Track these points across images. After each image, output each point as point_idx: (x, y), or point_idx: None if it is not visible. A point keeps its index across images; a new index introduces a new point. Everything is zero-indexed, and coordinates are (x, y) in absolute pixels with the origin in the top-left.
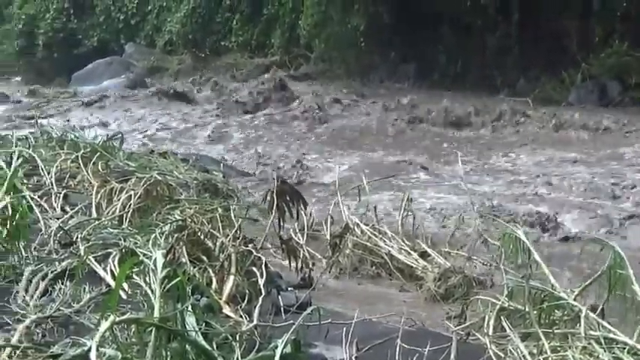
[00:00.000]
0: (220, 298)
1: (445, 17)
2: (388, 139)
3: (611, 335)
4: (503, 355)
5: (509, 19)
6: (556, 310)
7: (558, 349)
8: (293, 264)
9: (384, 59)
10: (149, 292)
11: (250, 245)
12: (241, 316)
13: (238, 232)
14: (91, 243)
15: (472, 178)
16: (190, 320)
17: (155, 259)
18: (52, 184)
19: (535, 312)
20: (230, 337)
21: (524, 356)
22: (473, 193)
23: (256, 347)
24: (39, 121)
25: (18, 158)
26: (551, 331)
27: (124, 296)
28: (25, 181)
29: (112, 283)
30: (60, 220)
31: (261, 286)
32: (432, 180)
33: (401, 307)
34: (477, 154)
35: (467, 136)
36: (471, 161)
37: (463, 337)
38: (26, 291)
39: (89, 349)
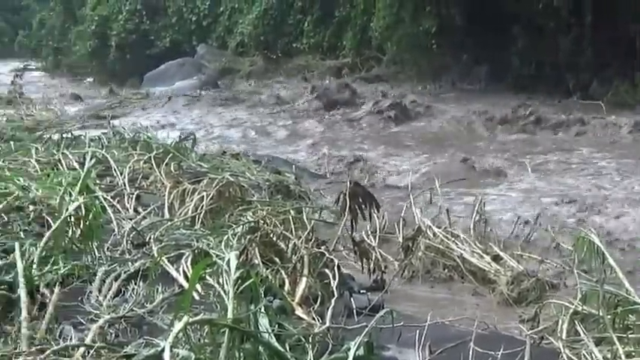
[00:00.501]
0: (293, 300)
1: (517, 19)
2: (461, 141)
3: None
4: None
5: (582, 21)
6: (630, 315)
7: (633, 354)
8: (365, 266)
9: (455, 61)
10: (222, 293)
11: (323, 247)
12: (314, 318)
13: (311, 234)
14: (163, 244)
15: (547, 181)
16: (263, 322)
17: (228, 261)
18: (124, 185)
19: (609, 316)
20: (303, 339)
21: None
22: (548, 196)
23: (329, 349)
24: (111, 122)
25: (91, 159)
26: (625, 335)
27: (196, 297)
28: (98, 181)
29: (185, 284)
30: (133, 221)
31: (334, 288)
32: (506, 183)
33: (473, 310)
34: (554, 156)
35: (541, 138)
36: (546, 163)
37: (536, 341)
38: (99, 291)
39: (162, 350)
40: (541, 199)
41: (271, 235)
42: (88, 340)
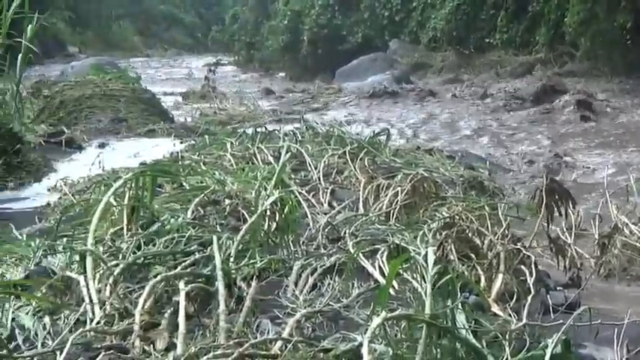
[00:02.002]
0: (489, 297)
1: None
2: None
3: None
4: None
5: None
6: None
7: None
8: (561, 263)
9: None
10: (419, 288)
11: (518, 244)
12: (510, 315)
13: (506, 230)
14: (358, 239)
15: None
16: (460, 318)
17: (425, 256)
18: (319, 179)
19: None
20: (499, 336)
21: None
22: None
23: (526, 346)
24: (304, 116)
25: (286, 153)
26: None
27: (392, 292)
28: (292, 175)
29: (381, 279)
30: (328, 216)
31: (530, 285)
32: None
33: None
34: None
35: None
36: None
37: None
38: (296, 285)
39: (360, 345)
40: None
41: (467, 231)
42: (285, 334)
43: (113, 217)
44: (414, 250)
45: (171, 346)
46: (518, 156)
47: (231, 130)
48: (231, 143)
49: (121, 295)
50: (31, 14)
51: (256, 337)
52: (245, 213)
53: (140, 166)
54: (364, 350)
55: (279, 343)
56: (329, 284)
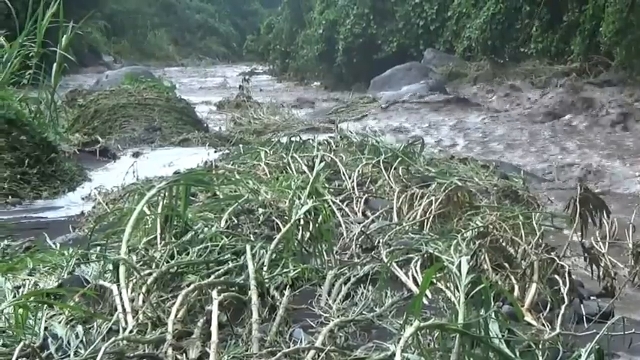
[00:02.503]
0: (522, 306)
1: None
2: None
3: None
4: None
5: None
6: None
7: None
8: (595, 273)
9: None
10: (452, 297)
11: (552, 253)
12: (543, 324)
13: (540, 239)
14: (392, 248)
15: None
16: (493, 327)
17: (459, 265)
18: (353, 189)
19: None
20: (533, 345)
21: None
22: None
23: (559, 356)
24: (339, 125)
25: (320, 162)
26: None
27: (425, 302)
28: (326, 185)
29: (414, 289)
30: (361, 225)
31: (564, 295)
32: None
33: None
34: None
35: None
36: None
37: None
38: (329, 294)
39: (393, 354)
40: None
41: (500, 241)
42: (318, 343)
43: (147, 227)
44: (447, 260)
45: (203, 356)
46: (553, 165)
47: (266, 140)
48: (266, 152)
49: (154, 304)
50: (66, 23)
51: (289, 347)
52: (279, 222)
53: (174, 175)
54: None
55: (311, 353)
56: (362, 293)
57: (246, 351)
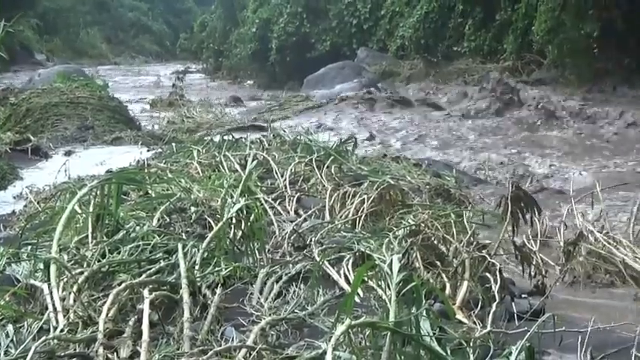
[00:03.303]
0: (454, 304)
1: None
2: (622, 146)
3: None
4: None
5: None
6: None
7: None
8: (526, 271)
9: (617, 65)
10: (384, 295)
11: (484, 251)
12: (474, 322)
13: (472, 237)
14: (324, 246)
15: None
16: (425, 325)
17: (390, 263)
18: (285, 187)
19: None
20: (464, 343)
21: None
22: None
23: (490, 354)
24: (271, 124)
25: (252, 161)
26: None
27: (357, 300)
28: (259, 183)
29: (346, 287)
30: (294, 223)
31: (495, 293)
32: None
33: (635, 316)
34: None
35: None
36: None
37: None
38: (261, 293)
39: (324, 352)
40: None
41: (432, 239)
42: (249, 342)
43: (78, 225)
44: (379, 258)
45: (134, 354)
46: (485, 164)
47: (198, 138)
48: (198, 151)
49: (85, 303)
50: None
51: (220, 345)
52: (211, 221)
53: (106, 173)
54: (328, 358)
55: (243, 351)
56: (294, 292)
57: (178, 350)
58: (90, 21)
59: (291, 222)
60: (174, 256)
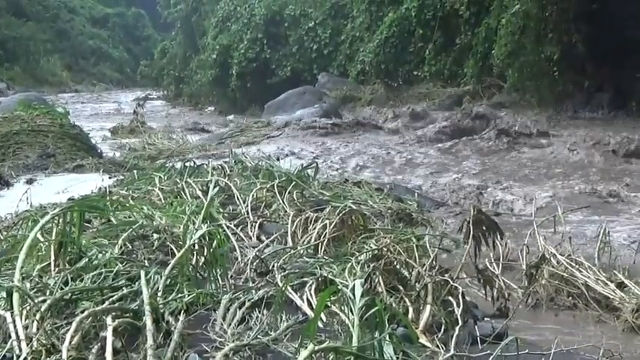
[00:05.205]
0: (417, 328)
1: None
2: (583, 169)
3: None
4: None
5: None
6: None
7: None
8: (489, 294)
9: (577, 88)
10: (347, 320)
11: (446, 275)
12: (438, 346)
13: (434, 261)
14: (287, 272)
15: None
16: (388, 349)
17: (353, 288)
18: (247, 213)
19: None
20: None
21: None
22: None
23: None
24: (233, 150)
25: (214, 187)
26: None
27: (320, 325)
28: (221, 209)
29: (309, 312)
30: (256, 249)
31: (458, 316)
32: (628, 211)
33: (598, 338)
34: None
35: None
36: None
37: None
38: (224, 319)
39: None
40: None
41: (394, 263)
42: None
43: (40, 254)
44: (342, 283)
45: None
46: (447, 188)
47: (160, 165)
48: (160, 178)
49: (48, 331)
50: None
51: None
52: (173, 247)
53: (68, 201)
54: None
55: None
56: (257, 317)
57: None
58: (50, 49)
59: (254, 248)
60: (136, 283)
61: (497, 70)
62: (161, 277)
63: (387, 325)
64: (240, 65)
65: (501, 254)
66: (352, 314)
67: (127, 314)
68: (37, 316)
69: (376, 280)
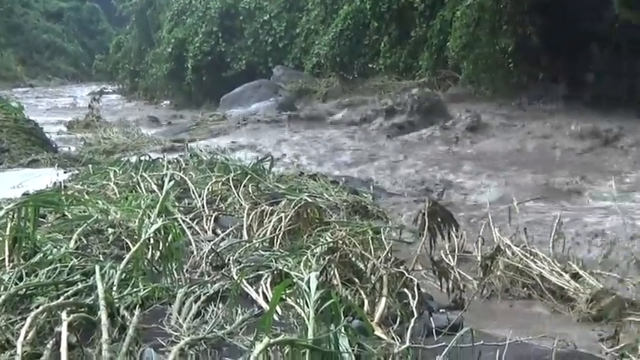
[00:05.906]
0: (372, 320)
1: (594, 36)
2: (538, 160)
3: None
4: None
5: None
6: None
7: None
8: (444, 286)
9: (532, 80)
10: (302, 313)
11: (402, 267)
12: (393, 338)
13: (389, 253)
14: (242, 265)
15: (628, 199)
16: (343, 342)
17: (308, 281)
18: (203, 207)
19: None
20: (382, 359)
21: None
22: (625, 214)
23: None
24: (188, 144)
25: (169, 181)
26: None
27: (276, 318)
28: (176, 203)
29: (265, 305)
30: (211, 243)
31: (413, 308)
32: (583, 202)
33: (553, 328)
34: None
35: (619, 157)
36: (626, 183)
37: (616, 359)
38: (179, 313)
39: None
40: (620, 218)
41: (350, 256)
42: None
43: None
44: (297, 276)
45: None
46: (402, 180)
47: (115, 159)
48: (115, 172)
49: (3, 327)
50: None
51: None
52: (128, 242)
53: (22, 196)
54: None
55: None
56: (213, 311)
57: None
58: (3, 43)
59: (209, 241)
60: (91, 278)
61: (452, 63)
62: (116, 271)
63: (343, 318)
64: (196, 59)
65: (456, 246)
66: (308, 307)
67: (82, 309)
68: None
69: (332, 273)
